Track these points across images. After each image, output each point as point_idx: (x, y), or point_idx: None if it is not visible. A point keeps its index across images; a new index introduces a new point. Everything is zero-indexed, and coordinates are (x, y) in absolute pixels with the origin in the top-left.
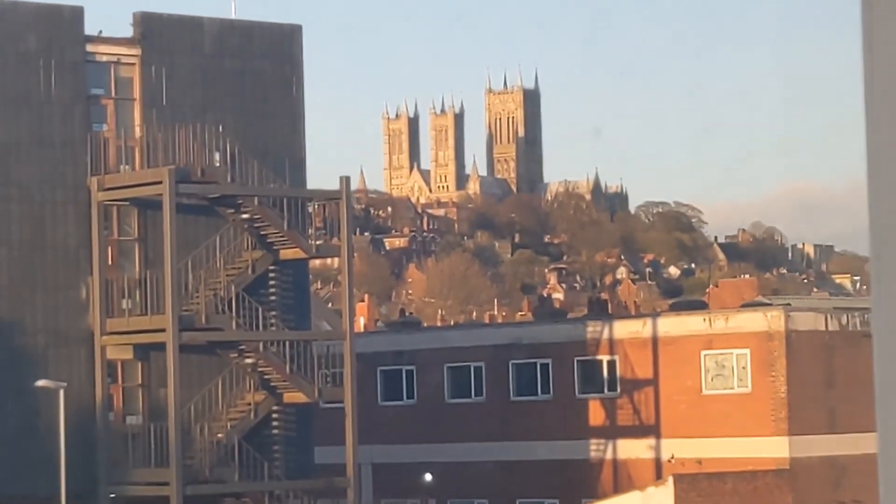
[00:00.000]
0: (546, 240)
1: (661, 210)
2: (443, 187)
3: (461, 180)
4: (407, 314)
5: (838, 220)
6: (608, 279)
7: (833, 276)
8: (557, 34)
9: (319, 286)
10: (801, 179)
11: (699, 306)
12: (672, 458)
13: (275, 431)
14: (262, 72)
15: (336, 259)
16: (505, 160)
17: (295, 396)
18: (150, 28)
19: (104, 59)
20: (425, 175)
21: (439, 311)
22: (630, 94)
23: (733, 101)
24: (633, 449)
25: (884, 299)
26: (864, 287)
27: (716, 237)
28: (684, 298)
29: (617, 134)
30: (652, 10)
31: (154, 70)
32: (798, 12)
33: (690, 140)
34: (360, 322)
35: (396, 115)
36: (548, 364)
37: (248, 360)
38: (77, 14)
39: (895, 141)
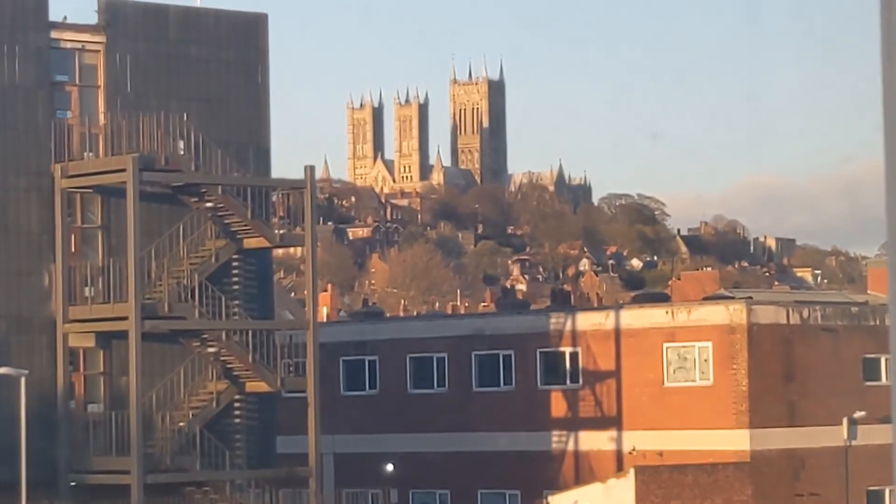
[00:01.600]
0: (509, 231)
1: (623, 202)
2: (406, 177)
3: (425, 171)
4: (370, 304)
5: (801, 213)
6: (571, 271)
7: (794, 270)
8: (523, 25)
9: (282, 275)
10: (764, 173)
11: (661, 299)
12: (633, 449)
13: (237, 420)
14: (227, 60)
15: (299, 248)
16: (469, 151)
17: (257, 386)
18: (114, 15)
19: (69, 45)
20: (389, 165)
21: (402, 302)
22: (596, 86)
23: (698, 94)
24: (594, 441)
25: None
26: (825, 281)
27: (678, 230)
28: (647, 291)
29: (581, 125)
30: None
31: (118, 57)
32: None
33: (654, 132)
34: (323, 312)
35: (361, 105)
36: (510, 355)
37: (211, 349)
38: (41, 1)
39: None
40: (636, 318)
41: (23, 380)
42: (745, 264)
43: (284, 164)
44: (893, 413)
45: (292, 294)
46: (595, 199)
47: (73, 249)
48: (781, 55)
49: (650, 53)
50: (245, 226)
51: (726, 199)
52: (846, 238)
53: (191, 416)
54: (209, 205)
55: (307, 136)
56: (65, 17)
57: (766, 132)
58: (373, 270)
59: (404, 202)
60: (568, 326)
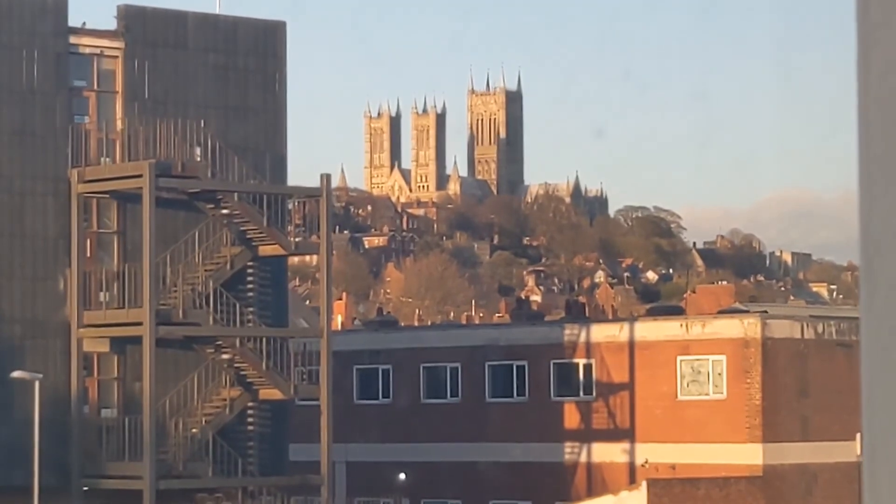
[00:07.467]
0: (525, 242)
1: (640, 215)
2: (423, 187)
3: (441, 180)
4: (384, 313)
5: (830, 229)
6: (586, 282)
7: (810, 285)
8: (541, 36)
9: (297, 283)
10: (793, 187)
11: (676, 312)
12: (646, 462)
13: (250, 428)
14: (245, 67)
15: (315, 256)
16: (486, 161)
17: (270, 393)
18: (133, 21)
19: (87, 51)
20: (406, 174)
21: (416, 311)
22: (615, 97)
23: (727, 107)
24: (607, 453)
25: (874, 308)
26: (841, 296)
27: (694, 243)
28: (661, 303)
29: (599, 137)
30: (642, 13)
31: (137, 63)
32: (795, 18)
33: (678, 145)
34: (338, 320)
35: (378, 114)
36: (524, 366)
37: (225, 356)
38: (61, 5)
39: (888, 150)
40: (650, 330)
41: (37, 384)
42: (761, 278)
43: (301, 171)
44: (864, 434)
45: (307, 302)
46: (611, 212)
47: (88, 254)
48: (815, 67)
49: (671, 65)
50: (260, 233)
51: (754, 213)
52: None
53: (204, 422)
54: (225, 212)
55: (324, 144)
56: (83, 23)
57: (796, 146)
58: (388, 279)
59: (420, 212)
60: (582, 338)
